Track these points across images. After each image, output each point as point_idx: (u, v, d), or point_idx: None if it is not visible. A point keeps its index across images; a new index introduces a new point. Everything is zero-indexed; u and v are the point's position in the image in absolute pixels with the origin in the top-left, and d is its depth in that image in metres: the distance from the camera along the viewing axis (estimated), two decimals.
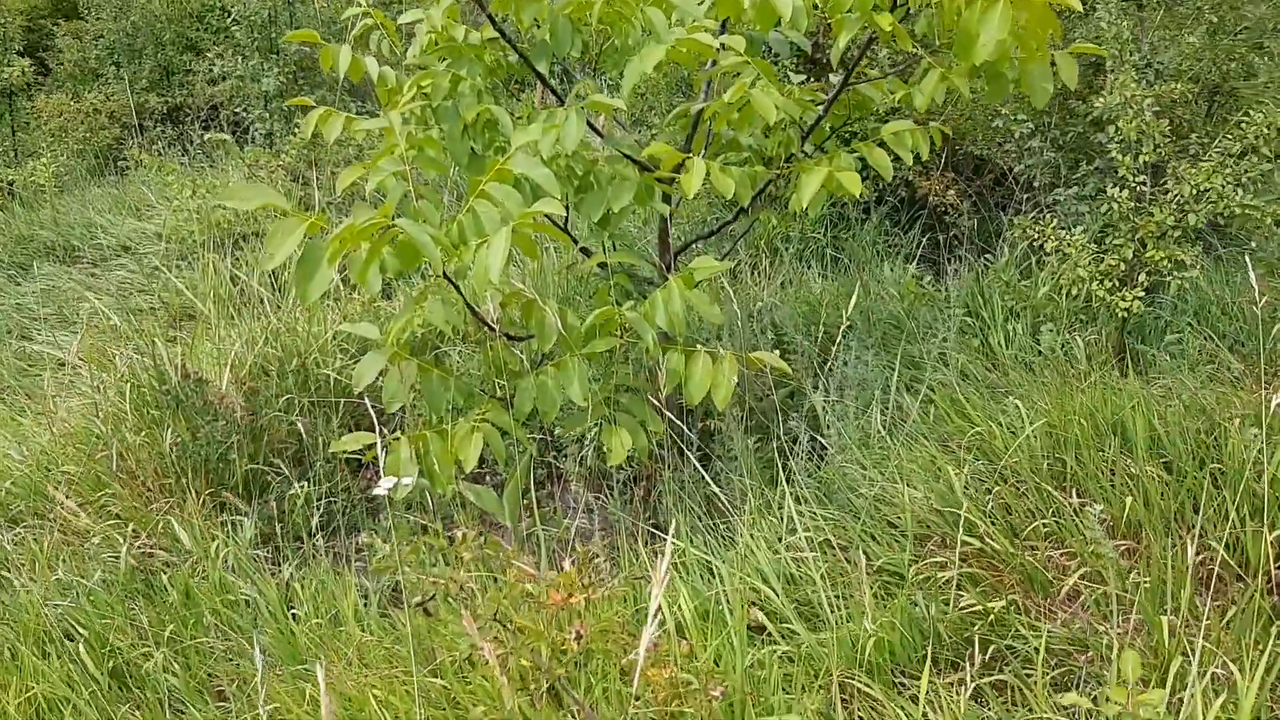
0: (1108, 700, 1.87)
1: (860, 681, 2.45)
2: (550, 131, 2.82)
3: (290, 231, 2.56)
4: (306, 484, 4.12)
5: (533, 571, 1.65)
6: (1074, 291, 4.51)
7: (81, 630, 3.14)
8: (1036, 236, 4.49)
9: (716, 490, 3.67)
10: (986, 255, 6.14)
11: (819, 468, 3.75)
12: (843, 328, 4.37)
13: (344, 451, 3.01)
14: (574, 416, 3.03)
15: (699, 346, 3.09)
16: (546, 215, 2.73)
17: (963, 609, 2.69)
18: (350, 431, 4.49)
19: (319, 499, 4.16)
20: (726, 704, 2.28)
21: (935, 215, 6.45)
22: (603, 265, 3.44)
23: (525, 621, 1.56)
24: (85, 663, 2.97)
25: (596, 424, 3.31)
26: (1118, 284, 4.42)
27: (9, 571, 3.60)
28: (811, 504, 3.29)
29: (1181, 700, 2.17)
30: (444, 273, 2.81)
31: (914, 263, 5.76)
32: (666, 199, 3.40)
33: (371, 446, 2.90)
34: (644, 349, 3.13)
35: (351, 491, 4.21)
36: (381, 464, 2.33)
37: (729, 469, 3.77)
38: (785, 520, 3.23)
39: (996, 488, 3.11)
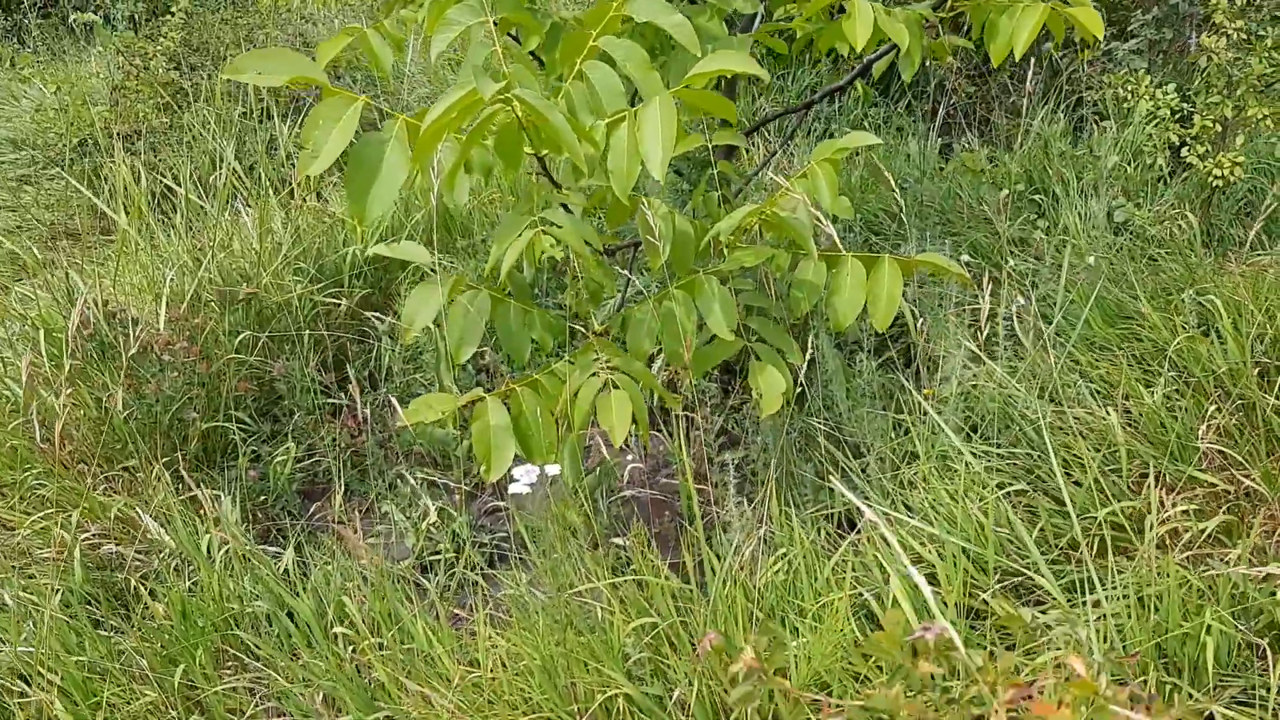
0: None
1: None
2: None
3: (338, 115, 1.76)
4: (289, 441, 3.32)
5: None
6: (1159, 160, 3.94)
7: (46, 672, 2.33)
8: (1125, 95, 3.87)
9: (814, 423, 3.02)
10: (987, 126, 5.55)
11: (925, 388, 3.12)
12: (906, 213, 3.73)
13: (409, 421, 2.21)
14: (705, 352, 2.31)
15: (842, 250, 2.38)
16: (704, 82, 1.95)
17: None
18: (333, 372, 3.70)
19: (299, 459, 3.37)
20: None
21: (925, 83, 5.80)
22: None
23: None
24: None
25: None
26: (1210, 148, 3.85)
27: None
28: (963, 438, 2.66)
29: None
30: (542, 171, 2.03)
31: (926, 137, 5.10)
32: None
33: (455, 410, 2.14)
34: (774, 260, 2.41)
35: (338, 443, 3.41)
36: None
37: (824, 393, 3.12)
38: (944, 462, 2.60)
39: (1211, 408, 2.51)
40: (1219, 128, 3.82)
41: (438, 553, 2.95)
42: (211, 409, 3.36)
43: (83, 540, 2.89)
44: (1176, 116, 3.84)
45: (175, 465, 3.22)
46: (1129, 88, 3.85)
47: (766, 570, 2.20)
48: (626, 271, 2.51)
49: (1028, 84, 5.42)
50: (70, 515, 2.93)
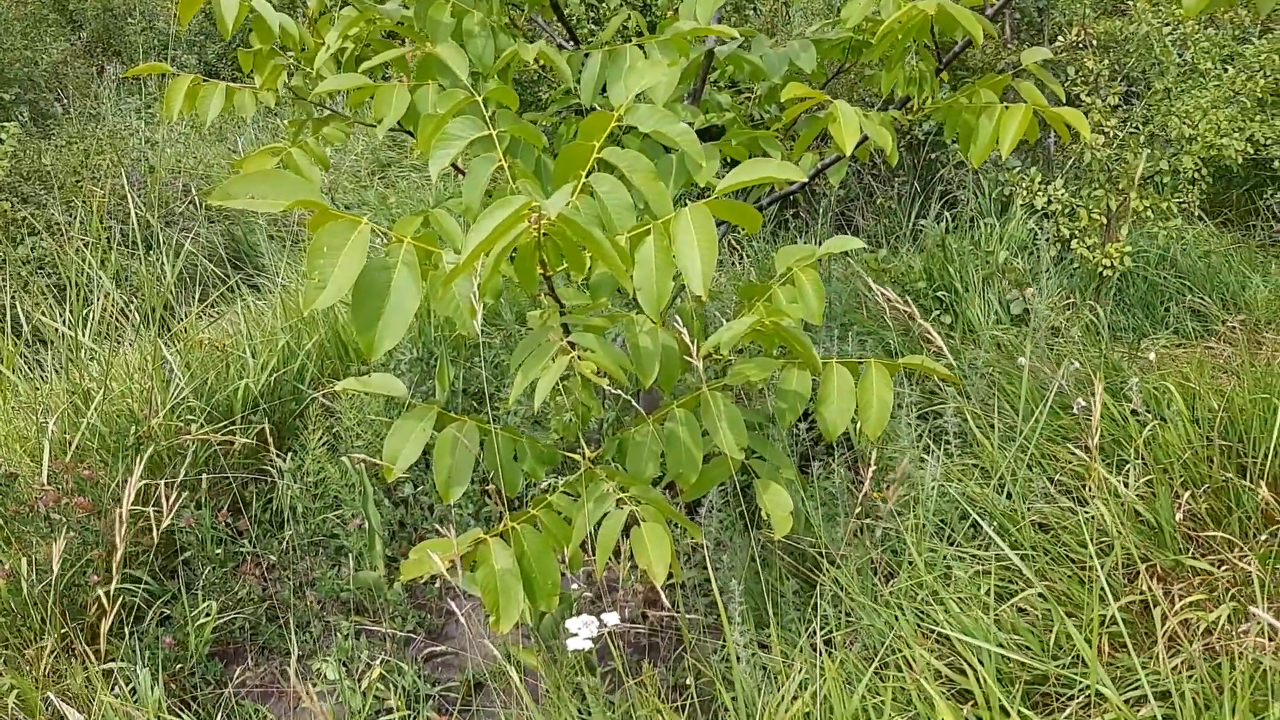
0: None
1: None
2: (673, 67, 1.97)
3: (342, 241, 1.59)
4: (200, 599, 3.02)
5: None
6: (1047, 254, 4.07)
7: None
8: (1022, 193, 4.00)
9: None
10: (851, 225, 5.70)
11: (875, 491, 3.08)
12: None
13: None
14: (706, 472, 2.18)
15: (831, 357, 2.32)
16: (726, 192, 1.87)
17: None
18: (234, 516, 3.41)
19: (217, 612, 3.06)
20: None
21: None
22: None
23: None
24: None
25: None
26: (1099, 240, 4.01)
27: None
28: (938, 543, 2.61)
29: None
30: (549, 292, 1.90)
31: (806, 234, 5.19)
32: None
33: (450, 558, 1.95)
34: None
35: (251, 595, 3.12)
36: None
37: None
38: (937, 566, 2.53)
39: (1185, 494, 2.53)
40: (1104, 220, 3.99)
41: (387, 710, 2.70)
42: (109, 568, 3.02)
43: None
44: (1067, 210, 3.99)
45: (70, 637, 2.88)
46: (1024, 185, 3.98)
47: (789, 707, 2.06)
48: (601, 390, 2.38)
49: (896, 187, 5.59)
50: None
